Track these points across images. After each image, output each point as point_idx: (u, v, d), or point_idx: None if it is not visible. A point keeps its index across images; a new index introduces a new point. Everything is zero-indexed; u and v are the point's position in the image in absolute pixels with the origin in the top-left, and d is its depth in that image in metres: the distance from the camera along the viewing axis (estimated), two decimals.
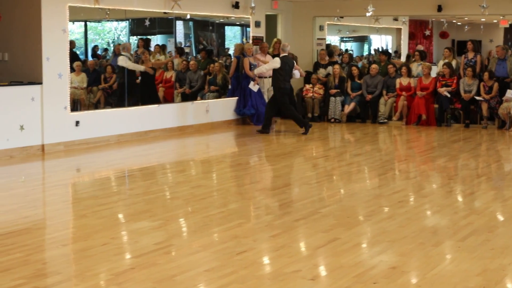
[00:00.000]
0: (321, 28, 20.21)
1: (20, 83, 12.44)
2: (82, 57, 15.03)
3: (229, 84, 17.25)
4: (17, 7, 12.71)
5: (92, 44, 15.69)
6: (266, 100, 16.65)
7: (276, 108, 15.72)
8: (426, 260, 6.38)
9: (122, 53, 15.00)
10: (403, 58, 21.83)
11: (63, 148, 12.86)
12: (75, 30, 14.73)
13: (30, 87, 12.43)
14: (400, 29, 23.87)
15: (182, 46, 17.34)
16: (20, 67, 12.70)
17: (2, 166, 11.33)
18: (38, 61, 12.59)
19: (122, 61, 14.93)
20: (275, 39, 18.04)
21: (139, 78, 15.18)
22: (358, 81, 17.85)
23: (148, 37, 16.20)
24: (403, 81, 17.33)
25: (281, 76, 15.17)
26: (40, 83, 12.55)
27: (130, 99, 14.75)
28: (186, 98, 16.47)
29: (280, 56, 15.43)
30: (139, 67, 15.34)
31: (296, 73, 15.66)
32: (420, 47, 21.94)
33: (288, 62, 15.28)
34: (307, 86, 18.26)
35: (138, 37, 15.91)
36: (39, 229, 7.67)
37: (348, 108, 17.65)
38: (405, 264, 6.29)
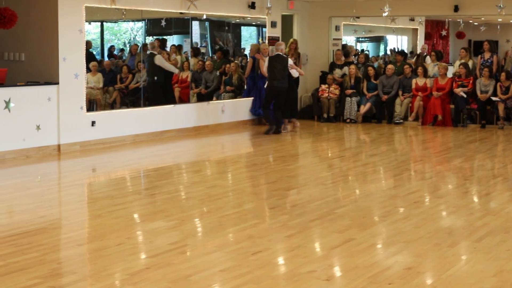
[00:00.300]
0: (337, 28, 20.16)
1: (37, 83, 12.49)
2: (98, 57, 15.08)
3: (244, 84, 17.26)
4: (34, 7, 12.77)
5: (109, 45, 15.74)
6: None
7: (282, 108, 15.65)
8: (441, 261, 6.36)
9: (154, 51, 15.02)
10: None
11: (79, 148, 12.91)
12: (92, 30, 14.79)
13: (46, 87, 12.48)
14: (416, 29, 23.81)
15: (198, 46, 17.36)
16: (36, 67, 12.76)
17: (18, 165, 11.39)
18: (55, 61, 12.64)
19: (159, 60, 14.97)
20: (291, 40, 18.02)
21: (156, 78, 15.22)
22: (374, 82, 17.81)
23: (164, 37, 16.22)
24: (419, 81, 17.28)
25: (272, 75, 15.17)
26: (57, 83, 12.60)
27: (151, 98, 14.81)
28: (201, 98, 16.49)
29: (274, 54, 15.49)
30: (175, 69, 15.46)
31: (294, 72, 15.59)
32: (425, 47, 21.86)
33: (279, 61, 15.23)
34: (323, 87, 18.24)
35: (154, 37, 15.94)
36: (55, 229, 7.70)
37: (364, 109, 17.61)
38: (420, 264, 6.27)
